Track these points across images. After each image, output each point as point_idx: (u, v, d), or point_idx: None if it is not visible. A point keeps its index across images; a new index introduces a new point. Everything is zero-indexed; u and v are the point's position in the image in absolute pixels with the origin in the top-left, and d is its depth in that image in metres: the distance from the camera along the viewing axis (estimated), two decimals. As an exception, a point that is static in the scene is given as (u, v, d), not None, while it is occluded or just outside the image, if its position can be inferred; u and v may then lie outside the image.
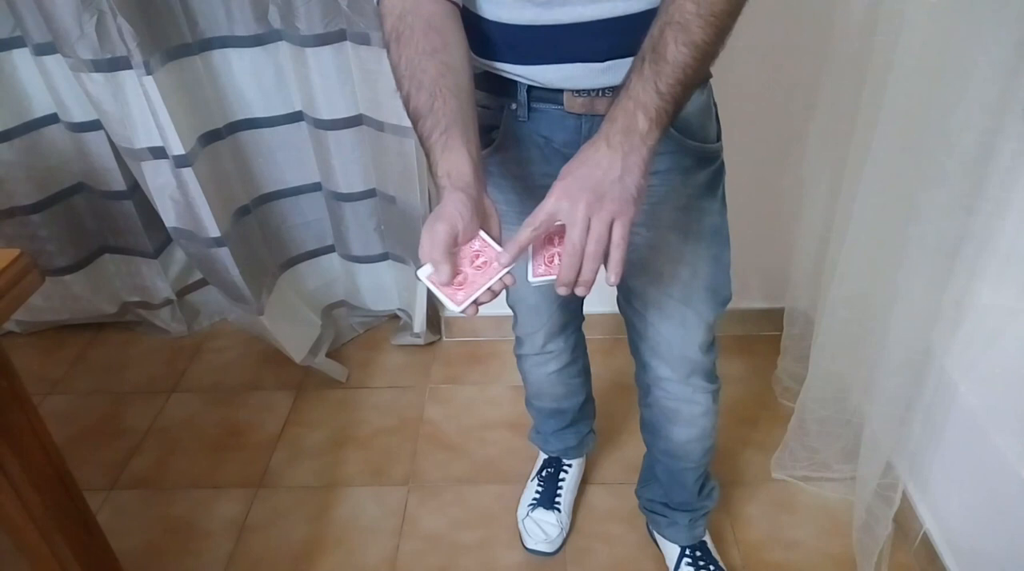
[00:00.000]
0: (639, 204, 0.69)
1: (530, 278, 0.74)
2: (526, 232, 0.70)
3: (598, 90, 0.83)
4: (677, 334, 1.01)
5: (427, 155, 0.74)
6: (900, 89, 1.07)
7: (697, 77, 0.70)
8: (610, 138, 0.69)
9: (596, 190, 0.68)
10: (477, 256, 0.72)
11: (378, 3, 0.79)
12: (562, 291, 0.70)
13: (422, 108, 0.73)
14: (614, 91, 0.82)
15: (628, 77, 0.71)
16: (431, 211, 1.62)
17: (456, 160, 0.71)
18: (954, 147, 0.96)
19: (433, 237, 0.69)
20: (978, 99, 0.92)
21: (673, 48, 0.68)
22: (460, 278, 0.72)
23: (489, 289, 0.71)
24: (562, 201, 0.68)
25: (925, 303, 1.08)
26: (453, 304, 0.71)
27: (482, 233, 0.73)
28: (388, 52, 0.77)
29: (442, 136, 0.72)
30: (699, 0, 0.68)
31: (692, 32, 0.68)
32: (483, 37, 0.82)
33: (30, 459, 0.82)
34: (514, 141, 0.91)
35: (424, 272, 0.71)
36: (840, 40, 1.33)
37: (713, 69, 0.76)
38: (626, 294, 1.04)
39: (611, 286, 0.72)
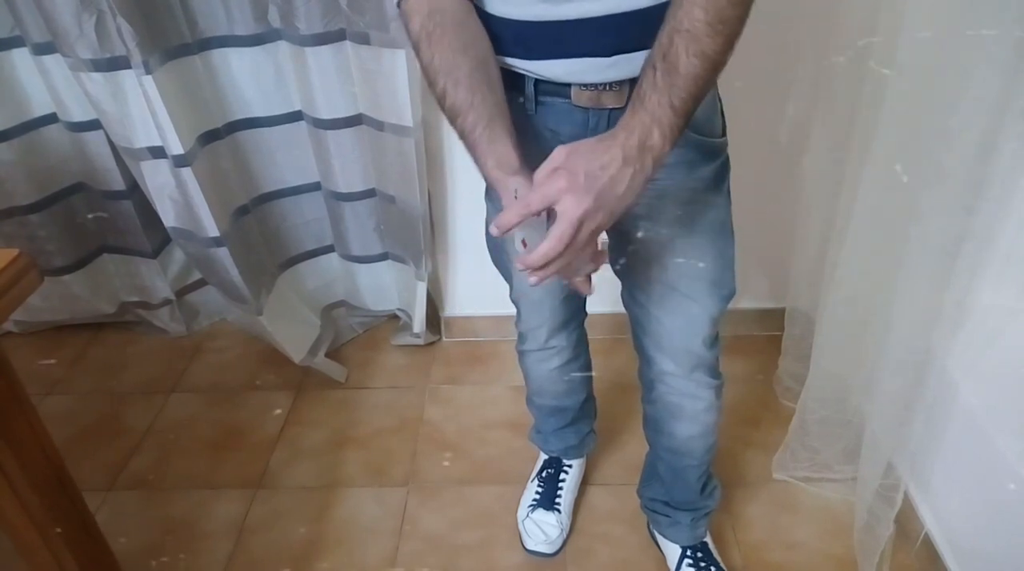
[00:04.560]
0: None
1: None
2: (518, 209, 0.70)
3: (605, 84, 0.83)
4: (681, 328, 1.01)
5: (471, 148, 0.77)
6: (900, 89, 1.07)
7: (707, 88, 0.70)
8: (626, 149, 0.69)
9: (599, 200, 0.69)
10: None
11: (400, 2, 0.80)
12: (533, 279, 0.72)
13: (461, 104, 0.76)
14: (621, 86, 0.83)
15: (641, 86, 0.71)
16: (431, 211, 1.63)
17: (504, 150, 0.75)
18: (954, 147, 0.96)
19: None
20: (978, 99, 0.92)
21: (685, 59, 0.68)
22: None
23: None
24: (566, 195, 0.68)
25: (925, 303, 1.08)
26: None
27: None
28: (418, 51, 0.78)
29: (486, 130, 0.75)
30: (708, 7, 0.67)
31: (702, 41, 0.68)
32: (490, 33, 0.82)
33: (29, 459, 0.82)
34: (521, 135, 0.91)
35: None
36: (840, 40, 1.33)
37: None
38: (630, 288, 1.04)
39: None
